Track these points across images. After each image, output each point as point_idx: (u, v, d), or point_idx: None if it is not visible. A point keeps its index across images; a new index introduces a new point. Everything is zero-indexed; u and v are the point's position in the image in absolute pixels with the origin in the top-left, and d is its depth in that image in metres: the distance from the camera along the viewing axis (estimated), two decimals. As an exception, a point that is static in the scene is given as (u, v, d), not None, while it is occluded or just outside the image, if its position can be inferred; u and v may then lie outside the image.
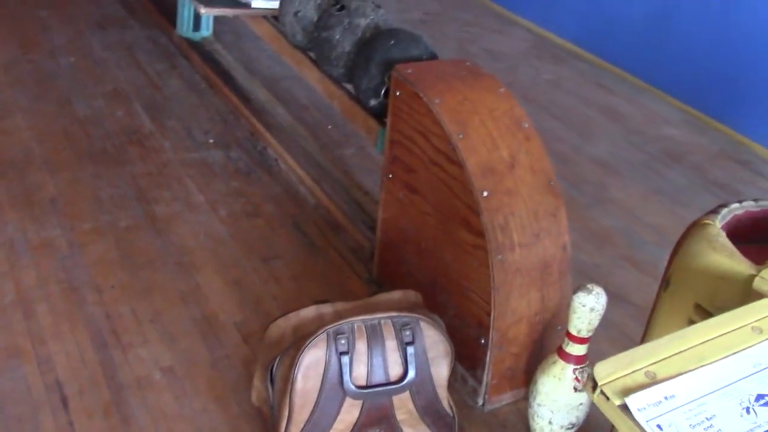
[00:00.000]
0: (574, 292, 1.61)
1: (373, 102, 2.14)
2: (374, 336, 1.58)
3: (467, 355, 1.85)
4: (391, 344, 1.59)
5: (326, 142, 3.06)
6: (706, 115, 3.56)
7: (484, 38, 4.30)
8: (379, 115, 2.17)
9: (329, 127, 3.16)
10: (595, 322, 1.63)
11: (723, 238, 1.21)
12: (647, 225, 2.77)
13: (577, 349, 1.65)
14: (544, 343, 1.85)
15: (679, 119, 3.58)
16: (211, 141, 2.96)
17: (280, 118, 3.05)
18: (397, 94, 1.97)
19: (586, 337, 1.64)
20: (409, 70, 1.96)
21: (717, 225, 1.24)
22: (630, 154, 3.25)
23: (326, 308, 1.73)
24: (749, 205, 1.30)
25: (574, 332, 1.63)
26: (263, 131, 2.95)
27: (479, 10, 4.69)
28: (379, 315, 1.61)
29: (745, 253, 1.28)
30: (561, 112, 3.53)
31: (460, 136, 1.80)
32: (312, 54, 2.44)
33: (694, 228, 1.28)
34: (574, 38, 4.21)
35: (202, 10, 2.73)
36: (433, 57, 2.14)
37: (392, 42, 2.11)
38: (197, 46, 3.57)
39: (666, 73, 3.73)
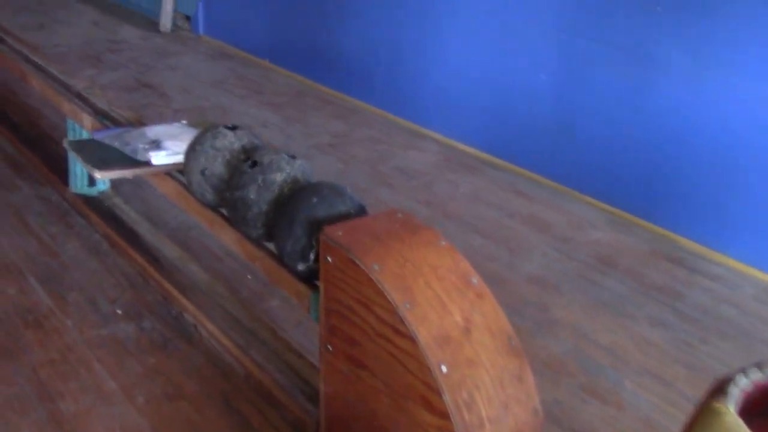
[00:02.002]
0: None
1: (300, 266, 1.94)
2: None
3: None
4: None
5: (247, 295, 2.82)
6: (629, 213, 3.53)
7: (395, 155, 4.21)
8: (309, 277, 1.97)
9: (248, 277, 2.93)
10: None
11: (744, 430, 1.05)
12: (599, 346, 2.63)
13: None
14: None
15: (604, 221, 3.53)
16: (120, 312, 2.67)
17: (194, 275, 2.81)
18: (328, 259, 1.78)
19: None
20: (339, 232, 1.78)
21: (732, 411, 1.09)
22: (563, 265, 3.15)
23: None
24: (757, 377, 1.15)
25: None
26: (177, 294, 2.69)
27: (385, 126, 4.63)
28: None
29: (759, 428, 1.12)
30: (486, 227, 3.42)
31: (407, 305, 1.62)
32: (225, 213, 2.23)
33: (706, 416, 1.12)
34: (485, 147, 4.17)
35: (98, 175, 2.49)
36: (361, 210, 1.97)
37: (315, 199, 1.93)
38: (94, 203, 3.31)
39: (581, 174, 3.71)
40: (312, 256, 1.88)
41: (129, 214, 3.27)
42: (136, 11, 7.28)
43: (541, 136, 3.85)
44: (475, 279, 1.73)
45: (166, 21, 6.78)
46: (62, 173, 3.52)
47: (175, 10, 6.79)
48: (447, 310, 1.65)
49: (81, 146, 2.70)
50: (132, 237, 3.07)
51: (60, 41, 6.13)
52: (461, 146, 4.28)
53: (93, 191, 3.38)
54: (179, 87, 5.22)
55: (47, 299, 2.72)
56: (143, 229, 3.14)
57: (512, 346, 1.66)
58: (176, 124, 2.85)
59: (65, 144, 2.75)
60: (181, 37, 6.54)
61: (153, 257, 2.91)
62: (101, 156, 2.61)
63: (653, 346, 2.66)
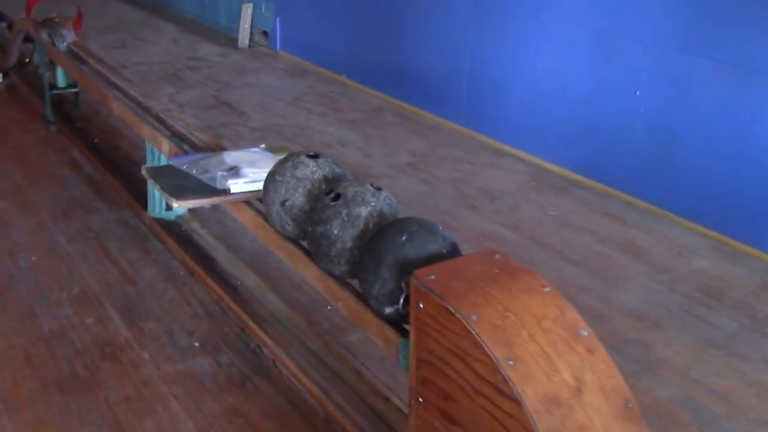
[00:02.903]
0: None
1: (388, 310, 1.79)
2: None
3: None
4: None
5: (327, 328, 2.69)
6: (735, 240, 3.26)
7: (478, 175, 4.03)
8: (397, 321, 1.82)
9: (328, 307, 2.80)
10: None
11: None
12: (711, 391, 2.40)
13: None
14: None
15: (706, 248, 3.27)
16: (197, 344, 2.58)
17: (273, 306, 2.70)
18: (420, 305, 1.63)
19: None
20: (432, 276, 1.62)
21: None
22: (665, 298, 2.91)
23: None
24: None
25: None
26: (255, 327, 2.58)
27: (467, 144, 4.46)
28: None
29: None
30: (577, 256, 3.21)
31: (510, 362, 1.45)
32: (307, 246, 2.10)
33: None
34: (572, 165, 3.96)
35: (175, 204, 2.41)
36: (453, 249, 1.81)
37: (404, 237, 1.78)
38: (172, 227, 3.25)
39: (681, 196, 3.45)
40: (401, 301, 1.73)
41: (206, 239, 3.19)
42: (214, 28, 7.33)
43: (636, 155, 3.61)
44: (585, 331, 1.55)
45: (243, 37, 6.78)
46: (141, 196, 3.48)
47: (252, 26, 6.79)
48: (555, 368, 1.47)
49: (158, 173, 2.63)
50: (209, 264, 2.99)
51: (141, 59, 6.19)
52: (547, 165, 4.07)
53: (171, 215, 3.32)
54: (256, 104, 5.17)
55: (125, 330, 2.65)
56: (220, 255, 3.05)
57: (629, 410, 1.47)
58: (254, 149, 2.75)
59: (143, 171, 2.68)
60: (259, 53, 6.53)
61: (230, 286, 2.82)
62: (178, 183, 2.53)
63: (772, 392, 2.41)
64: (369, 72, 5.44)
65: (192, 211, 3.38)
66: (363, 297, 1.89)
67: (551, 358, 1.48)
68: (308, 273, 2.12)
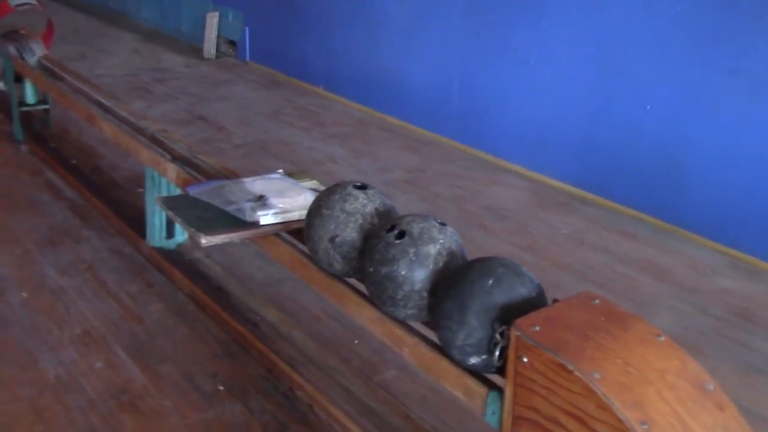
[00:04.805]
0: None
1: (473, 360, 1.65)
2: None
3: None
4: None
5: (358, 364, 2.53)
6: (754, 257, 3.22)
7: (480, 192, 3.92)
8: (481, 371, 1.67)
9: (355, 342, 2.64)
10: None
11: None
12: (766, 421, 2.33)
13: None
14: None
15: (726, 266, 3.23)
16: (222, 389, 2.39)
17: (300, 344, 2.52)
18: (524, 360, 1.49)
19: None
20: (537, 327, 1.49)
21: None
22: (697, 321, 2.84)
23: None
24: None
25: None
26: (285, 368, 2.40)
27: (462, 159, 4.35)
28: None
29: None
30: (600, 277, 3.12)
31: (645, 426, 1.32)
32: (367, 290, 1.94)
33: None
34: (576, 181, 3.88)
35: (203, 241, 2.21)
36: (541, 292, 1.68)
37: (491, 281, 1.64)
38: (174, 257, 3.04)
39: (695, 213, 3.41)
40: (497, 352, 1.58)
41: (213, 268, 2.99)
42: (175, 37, 7.06)
43: (646, 170, 3.56)
44: (711, 385, 1.43)
45: (210, 47, 6.54)
46: (134, 223, 3.26)
47: (219, 36, 6.56)
48: (687, 428, 1.35)
49: (175, 204, 2.42)
50: (222, 297, 2.79)
51: (103, 71, 5.90)
52: (550, 181, 3.99)
53: (171, 244, 3.11)
54: (235, 119, 4.96)
55: (139, 375, 2.44)
56: (232, 286, 2.86)
57: (767, 471, 1.36)
58: (274, 176, 2.57)
59: (158, 202, 2.48)
60: (227, 64, 6.30)
61: (251, 322, 2.63)
62: (200, 215, 2.33)
63: (824, 418, 2.35)
64: (349, 84, 5.28)
65: (192, 237, 3.17)
66: (440, 344, 1.74)
67: (683, 417, 1.36)
68: (363, 315, 1.96)
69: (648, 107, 3.49)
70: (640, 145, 3.56)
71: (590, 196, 3.81)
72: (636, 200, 3.61)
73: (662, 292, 3.02)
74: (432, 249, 1.81)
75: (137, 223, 3.23)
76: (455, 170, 4.19)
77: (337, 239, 1.98)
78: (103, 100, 3.50)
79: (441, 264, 1.80)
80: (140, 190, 3.66)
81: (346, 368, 2.42)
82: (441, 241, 1.83)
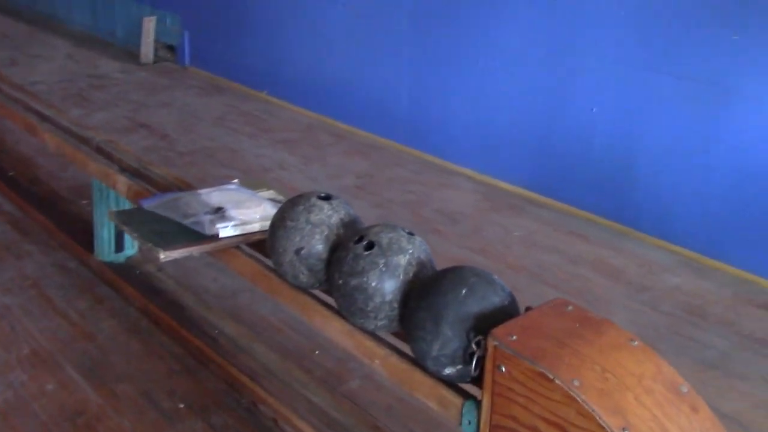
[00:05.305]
0: None
1: (448, 371, 1.64)
2: None
3: None
4: None
5: (321, 375, 2.49)
6: (701, 254, 3.31)
7: (431, 197, 3.92)
8: (456, 381, 1.66)
9: (316, 352, 2.61)
10: None
11: None
12: (721, 415, 2.37)
13: None
14: None
15: (675, 264, 3.30)
16: (182, 406, 2.32)
17: (262, 357, 2.47)
18: (502, 369, 1.48)
19: None
20: (513, 336, 1.48)
21: None
22: (651, 318, 2.90)
23: None
24: None
25: None
26: (247, 381, 2.35)
27: (412, 163, 4.34)
28: None
29: None
30: (554, 279, 3.16)
31: (626, 431, 1.33)
32: (335, 302, 1.91)
33: None
34: (526, 183, 3.92)
35: (162, 256, 2.14)
36: (513, 300, 1.68)
37: (464, 291, 1.63)
38: (125, 271, 2.94)
39: (642, 212, 3.48)
40: (474, 362, 1.57)
41: (166, 281, 2.92)
42: (110, 42, 6.87)
43: (595, 172, 3.62)
44: (685, 387, 1.46)
45: (147, 52, 6.38)
46: (79, 236, 3.16)
47: (156, 40, 6.41)
48: (667, 432, 1.37)
49: (129, 218, 2.35)
50: (176, 311, 2.72)
51: (38, 78, 5.69)
52: (500, 183, 4.02)
53: (120, 257, 3.01)
54: (179, 126, 4.86)
55: (94, 395, 2.35)
56: (187, 299, 2.79)
57: (743, 470, 1.39)
58: (230, 187, 2.52)
59: (110, 217, 2.40)
60: (167, 69, 6.16)
61: (208, 336, 2.57)
62: (156, 229, 2.26)
63: (778, 411, 2.43)
64: (294, 89, 5.23)
65: (143, 250, 3.08)
66: (413, 355, 1.73)
67: (662, 421, 1.38)
68: (331, 327, 1.93)
69: (594, 109, 3.55)
70: (591, 148, 3.62)
71: (542, 198, 3.85)
72: (587, 202, 3.67)
73: (616, 291, 3.08)
74: (402, 259, 1.79)
75: (83, 236, 3.13)
76: (406, 175, 4.19)
77: (303, 251, 1.94)
78: (42, 110, 3.38)
79: (411, 274, 1.79)
80: (84, 201, 3.56)
81: (310, 379, 2.38)
82: (410, 251, 1.81)
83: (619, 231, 3.55)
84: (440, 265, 1.84)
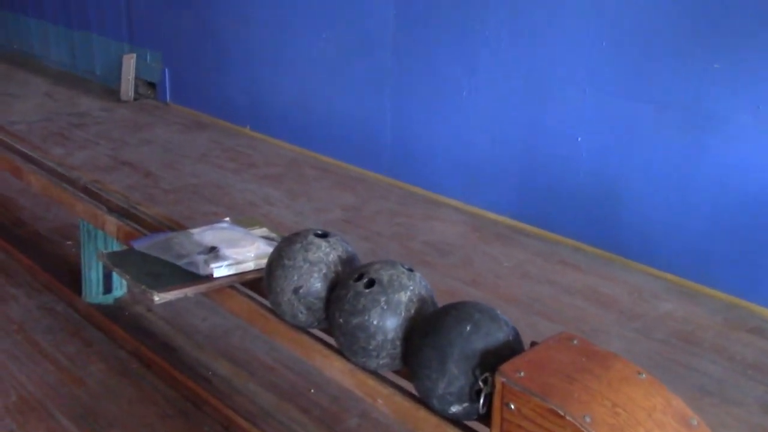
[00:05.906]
0: None
1: (455, 409, 1.62)
2: None
3: None
4: None
5: (318, 414, 2.46)
6: (687, 279, 3.33)
7: (419, 228, 3.92)
8: (462, 419, 1.65)
9: (311, 391, 2.57)
10: None
11: None
12: (725, 444, 2.38)
13: None
14: None
15: (664, 290, 3.32)
16: (178, 451, 2.28)
17: (258, 397, 2.43)
18: (511, 406, 1.47)
19: None
20: (521, 373, 1.47)
21: None
22: (645, 347, 2.90)
23: None
24: None
25: None
26: (243, 423, 2.31)
27: (397, 195, 4.35)
28: None
29: None
30: (547, 309, 3.15)
31: (641, 467, 1.32)
32: (336, 341, 1.88)
33: None
34: (513, 213, 3.93)
35: (156, 298, 2.11)
36: (517, 335, 1.67)
37: (468, 327, 1.62)
38: (113, 312, 2.90)
39: (629, 239, 3.50)
40: (481, 400, 1.56)
41: (156, 323, 2.88)
42: (89, 79, 6.85)
43: (581, 201, 3.64)
44: (695, 420, 1.45)
45: (127, 89, 6.37)
46: (65, 277, 3.11)
47: (137, 78, 6.40)
48: (680, 467, 1.36)
49: (121, 260, 2.31)
50: (168, 352, 2.68)
51: (16, 118, 5.65)
52: (486, 214, 4.03)
53: (109, 299, 2.97)
54: (161, 163, 4.83)
55: (87, 442, 2.30)
56: (178, 341, 2.76)
57: (758, 503, 1.38)
58: (222, 225, 2.50)
59: (101, 259, 2.36)
60: (147, 106, 6.15)
61: (201, 377, 2.53)
62: (149, 271, 2.23)
63: (776, 437, 2.43)
64: (277, 123, 5.23)
65: (131, 291, 3.04)
66: (418, 394, 1.70)
67: (675, 455, 1.37)
68: (332, 367, 1.90)
69: (579, 139, 3.58)
70: (576, 177, 3.64)
71: (529, 227, 3.87)
72: (575, 230, 3.68)
73: (610, 320, 3.08)
74: (403, 296, 1.78)
75: (69, 278, 3.08)
76: (392, 207, 4.18)
77: (302, 290, 1.92)
78: (27, 151, 3.34)
79: (413, 311, 1.78)
80: (69, 242, 3.52)
81: (307, 419, 2.35)
82: (411, 287, 1.80)
83: (608, 258, 3.57)
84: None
